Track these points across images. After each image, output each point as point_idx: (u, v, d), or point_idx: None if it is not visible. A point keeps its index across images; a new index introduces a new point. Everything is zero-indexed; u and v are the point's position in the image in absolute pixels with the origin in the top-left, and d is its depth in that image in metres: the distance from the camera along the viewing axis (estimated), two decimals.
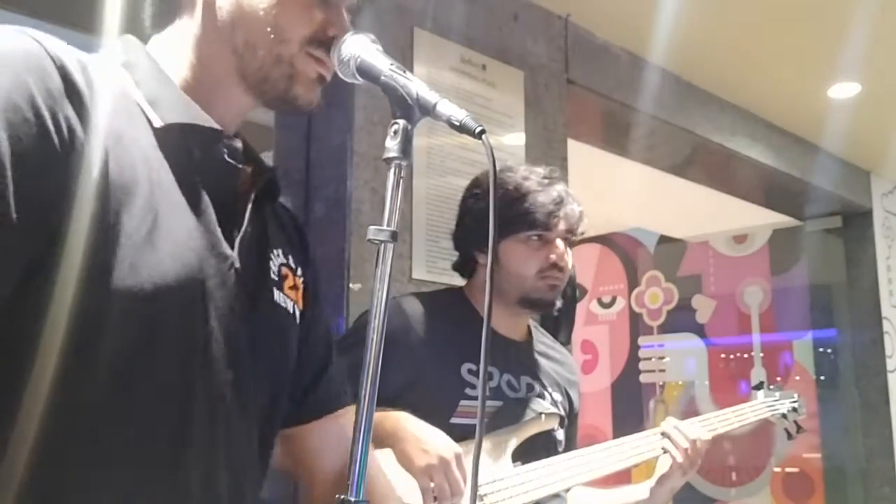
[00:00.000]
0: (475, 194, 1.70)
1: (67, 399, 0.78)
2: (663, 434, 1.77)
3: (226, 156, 0.92)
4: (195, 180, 0.88)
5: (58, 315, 0.77)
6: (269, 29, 0.92)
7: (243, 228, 0.92)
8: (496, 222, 0.86)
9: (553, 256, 1.64)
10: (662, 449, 1.77)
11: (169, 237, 0.83)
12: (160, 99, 0.89)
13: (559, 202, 1.65)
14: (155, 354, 0.82)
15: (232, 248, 0.90)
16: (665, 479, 1.76)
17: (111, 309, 0.78)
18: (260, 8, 0.92)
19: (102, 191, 0.79)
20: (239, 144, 0.94)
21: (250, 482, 0.94)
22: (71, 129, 0.78)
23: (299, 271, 1.05)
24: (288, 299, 1.00)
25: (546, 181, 1.67)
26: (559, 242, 1.66)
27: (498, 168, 1.71)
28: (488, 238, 1.61)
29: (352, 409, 1.12)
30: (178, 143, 0.88)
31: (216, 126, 0.91)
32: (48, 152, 0.76)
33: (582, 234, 1.72)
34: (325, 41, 0.93)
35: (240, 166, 0.93)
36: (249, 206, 0.94)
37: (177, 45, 0.95)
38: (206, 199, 0.89)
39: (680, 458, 1.74)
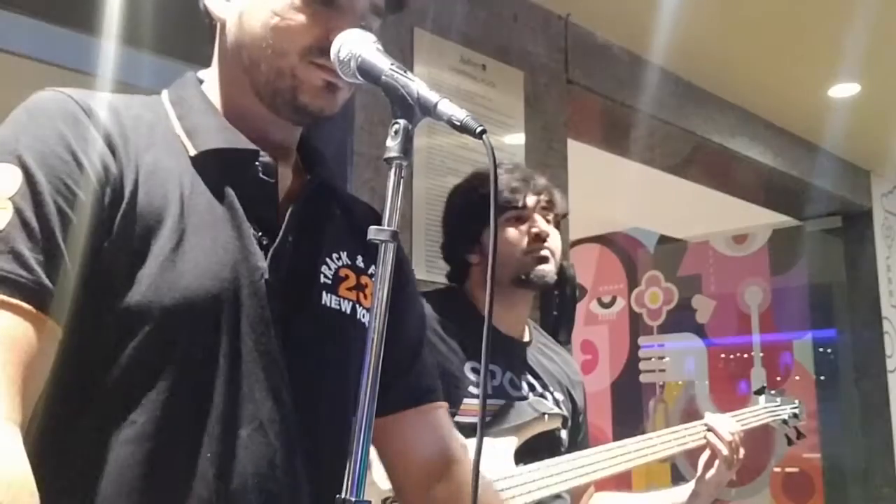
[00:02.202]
0: (456, 194, 1.78)
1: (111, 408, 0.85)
2: (707, 427, 1.81)
3: (259, 173, 0.96)
4: (232, 199, 0.93)
5: (87, 332, 0.85)
6: (265, 45, 0.95)
7: (278, 239, 0.95)
8: (496, 222, 0.86)
9: (534, 229, 1.68)
10: (705, 441, 1.81)
11: (193, 253, 0.88)
12: (198, 129, 0.96)
13: (524, 179, 1.70)
14: (177, 364, 0.87)
15: (266, 259, 0.94)
16: (709, 476, 1.79)
17: (137, 324, 0.85)
18: (258, 25, 0.95)
19: (129, 217, 0.87)
20: (273, 161, 0.97)
21: (293, 480, 0.92)
22: (105, 166, 0.87)
23: (372, 270, 1.06)
24: (344, 300, 1.01)
25: (511, 166, 1.75)
26: (537, 217, 1.70)
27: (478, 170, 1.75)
28: (473, 234, 1.66)
29: (444, 406, 1.13)
30: (213, 166, 0.94)
31: (249, 147, 0.96)
32: (84, 187, 0.85)
33: (562, 212, 1.77)
34: (328, 49, 0.93)
35: (271, 181, 0.96)
36: (287, 217, 0.97)
37: (213, 73, 1.02)
38: (242, 214, 0.93)
39: (725, 452, 1.77)
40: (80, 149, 0.85)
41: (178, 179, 0.91)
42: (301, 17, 0.94)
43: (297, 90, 0.95)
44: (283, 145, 1.02)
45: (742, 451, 1.81)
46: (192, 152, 0.94)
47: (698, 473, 1.81)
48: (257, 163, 0.96)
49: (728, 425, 1.82)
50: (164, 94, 1.01)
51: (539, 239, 1.68)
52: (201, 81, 1.03)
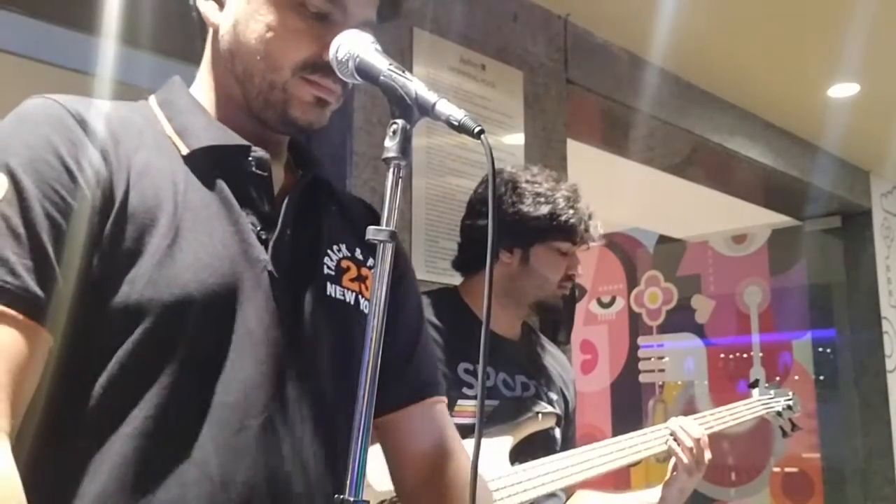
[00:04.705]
0: (518, 193, 1.68)
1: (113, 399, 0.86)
2: (671, 434, 1.79)
3: (253, 167, 0.97)
4: (227, 194, 0.94)
5: (84, 334, 0.85)
6: (259, 57, 0.96)
7: (276, 231, 0.96)
8: (495, 224, 0.87)
9: (574, 269, 1.72)
10: (668, 447, 1.78)
11: (190, 249, 0.89)
12: (189, 129, 0.97)
13: (589, 217, 1.73)
14: (177, 360, 0.87)
15: (267, 251, 0.94)
16: (672, 481, 1.77)
17: (136, 322, 0.86)
18: (253, 37, 0.96)
19: (122, 218, 0.87)
20: (265, 155, 0.98)
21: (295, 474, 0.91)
22: (95, 170, 0.87)
23: (370, 262, 1.06)
24: (348, 291, 1.02)
25: (575, 194, 1.73)
26: (578, 256, 1.74)
27: (511, 170, 1.73)
28: (522, 239, 1.65)
29: (443, 400, 1.13)
30: (206, 164, 0.95)
31: (242, 142, 0.97)
32: (73, 191, 0.85)
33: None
34: (320, 65, 0.95)
35: (265, 174, 0.97)
36: (283, 210, 0.97)
37: (204, 75, 1.03)
38: (238, 209, 0.94)
39: (685, 459, 1.75)
40: (69, 154, 0.86)
41: (171, 178, 0.92)
42: (296, 33, 0.95)
43: (288, 104, 0.96)
44: (274, 144, 1.03)
45: (707, 455, 1.76)
46: (185, 151, 0.95)
47: (666, 477, 1.79)
48: (250, 157, 0.97)
49: (691, 430, 1.78)
50: (152, 98, 1.02)
51: (571, 279, 1.73)
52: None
